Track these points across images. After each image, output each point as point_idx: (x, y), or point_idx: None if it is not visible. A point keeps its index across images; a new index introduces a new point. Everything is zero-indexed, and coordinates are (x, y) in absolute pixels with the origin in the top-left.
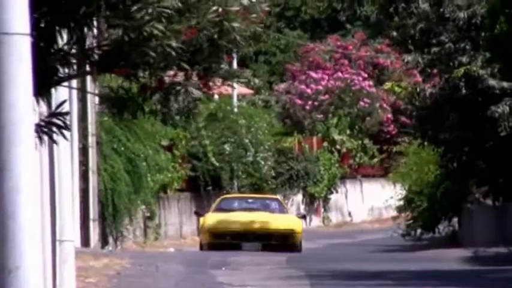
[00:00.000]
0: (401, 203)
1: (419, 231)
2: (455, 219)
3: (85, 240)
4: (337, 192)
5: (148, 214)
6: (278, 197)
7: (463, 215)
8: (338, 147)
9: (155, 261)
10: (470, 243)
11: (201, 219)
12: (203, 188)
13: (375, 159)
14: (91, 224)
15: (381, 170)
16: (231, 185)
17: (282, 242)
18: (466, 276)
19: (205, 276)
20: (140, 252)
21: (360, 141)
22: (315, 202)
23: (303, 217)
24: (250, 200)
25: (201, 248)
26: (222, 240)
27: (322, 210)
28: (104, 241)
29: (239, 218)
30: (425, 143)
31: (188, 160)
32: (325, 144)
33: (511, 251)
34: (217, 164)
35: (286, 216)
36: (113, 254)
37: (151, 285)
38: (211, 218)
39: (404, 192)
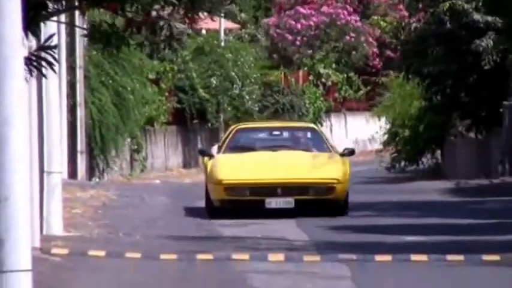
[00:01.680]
0: (386, 137)
1: (402, 163)
2: (438, 152)
3: (72, 172)
4: (322, 125)
5: (135, 147)
6: (313, 125)
7: (446, 148)
8: (323, 80)
9: (141, 193)
10: (452, 175)
11: (209, 162)
12: (189, 121)
13: (360, 93)
14: (78, 156)
15: (366, 104)
16: (216, 118)
17: (321, 196)
18: (447, 207)
19: (190, 207)
20: (126, 184)
21: (345, 75)
22: None
23: (351, 153)
24: (275, 132)
25: (210, 206)
26: (240, 197)
27: None
28: (90, 173)
29: (262, 161)
30: (410, 77)
31: (174, 93)
32: (311, 78)
33: (492, 183)
34: (205, 96)
35: (327, 157)
36: (99, 186)
37: (137, 216)
38: (225, 163)
39: (388, 126)
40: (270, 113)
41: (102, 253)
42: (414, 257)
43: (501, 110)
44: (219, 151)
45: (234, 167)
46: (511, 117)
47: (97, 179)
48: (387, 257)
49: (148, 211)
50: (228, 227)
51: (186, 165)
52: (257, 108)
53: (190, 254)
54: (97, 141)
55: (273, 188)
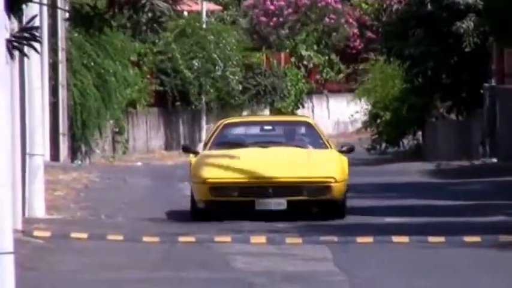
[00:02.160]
0: (367, 118)
1: (383, 145)
2: (419, 134)
3: (54, 155)
4: (303, 107)
5: (117, 129)
6: (308, 119)
7: (427, 129)
8: (305, 62)
9: (123, 175)
10: (433, 157)
11: (193, 160)
12: (171, 103)
13: (341, 75)
14: (60, 138)
15: (347, 86)
16: (199, 100)
17: (316, 196)
18: (428, 189)
19: (172, 189)
20: (108, 166)
21: (327, 57)
22: None
23: (350, 150)
24: (267, 127)
25: (194, 207)
26: (228, 198)
27: None
28: (73, 155)
29: (252, 159)
30: (391, 59)
31: (156, 75)
32: (293, 59)
33: (473, 164)
34: (188, 78)
35: (323, 154)
36: (81, 168)
37: (119, 199)
38: (210, 161)
39: (369, 108)
40: (252, 94)
41: (84, 235)
42: (395, 239)
43: (482, 91)
44: (204, 148)
45: (221, 165)
46: (492, 98)
47: (79, 162)
48: (368, 239)
49: (130, 193)
50: None
51: (168, 147)
52: (239, 90)
53: (173, 236)
54: (79, 124)
55: (263, 188)
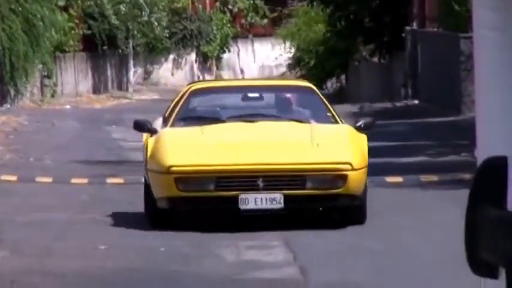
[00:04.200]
0: (291, 61)
1: None
2: (342, 76)
3: None
4: (229, 51)
5: (45, 73)
6: (308, 83)
7: (350, 72)
8: (230, 7)
9: (52, 118)
10: (356, 99)
11: (150, 141)
12: (100, 47)
13: (265, 20)
14: None
15: (272, 30)
16: (126, 44)
17: (325, 190)
18: None
19: (100, 132)
20: (37, 110)
21: (252, 1)
22: (208, 61)
23: (370, 126)
24: (252, 94)
25: (153, 208)
26: (201, 193)
27: (215, 68)
28: (1, 99)
29: (233, 139)
30: (314, 3)
31: (84, 20)
32: (218, 4)
33: (395, 106)
34: (115, 23)
35: (332, 130)
36: (10, 112)
37: (48, 141)
38: (175, 142)
39: (293, 51)
40: (178, 39)
41: (13, 177)
42: None
43: (403, 34)
44: (165, 124)
45: (190, 147)
46: (413, 42)
47: (8, 105)
48: None
49: (59, 136)
50: (136, 151)
51: (96, 90)
52: (167, 34)
53: (101, 178)
54: (7, 68)
55: (250, 179)
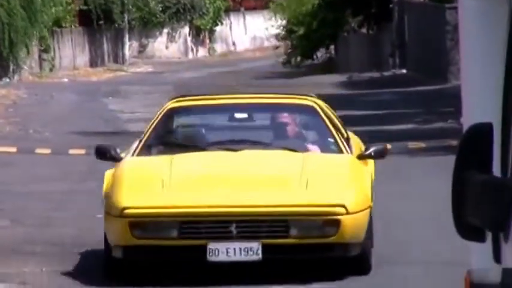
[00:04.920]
0: (282, 32)
1: (298, 58)
2: (332, 47)
3: None
4: (222, 24)
5: (43, 47)
6: (314, 98)
7: (340, 43)
8: None
9: (50, 91)
10: (345, 70)
11: (108, 173)
12: (95, 22)
13: None
14: None
15: (264, 3)
16: (121, 18)
17: (313, 238)
18: (341, 100)
19: (98, 104)
20: (36, 83)
21: None
22: (201, 34)
23: (380, 155)
24: (239, 115)
25: (108, 257)
26: (161, 241)
27: (208, 41)
28: (1, 73)
29: (206, 173)
30: None
31: None
32: None
33: (383, 76)
34: None
35: (330, 162)
36: (9, 85)
37: (47, 113)
38: (133, 176)
39: (284, 23)
40: (172, 13)
41: (13, 149)
42: None
43: (391, 6)
44: (134, 151)
45: (151, 184)
46: (400, 12)
47: (7, 79)
48: None
49: (57, 108)
50: (133, 122)
51: (92, 64)
52: (161, 8)
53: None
54: (6, 43)
55: (222, 224)
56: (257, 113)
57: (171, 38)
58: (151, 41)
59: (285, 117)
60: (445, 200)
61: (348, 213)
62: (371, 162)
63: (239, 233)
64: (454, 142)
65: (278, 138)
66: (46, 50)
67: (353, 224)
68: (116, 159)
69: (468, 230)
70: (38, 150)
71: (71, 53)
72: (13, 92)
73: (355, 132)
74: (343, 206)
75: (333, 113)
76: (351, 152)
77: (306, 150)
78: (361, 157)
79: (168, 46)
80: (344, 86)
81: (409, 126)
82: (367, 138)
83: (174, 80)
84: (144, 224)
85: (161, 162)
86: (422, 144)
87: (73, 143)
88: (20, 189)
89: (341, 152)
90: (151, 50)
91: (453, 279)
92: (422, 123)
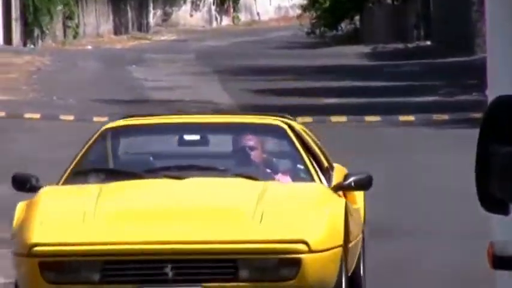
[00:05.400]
0: (306, 2)
1: (322, 29)
2: (357, 18)
3: (7, 39)
4: None
5: (67, 14)
6: (281, 121)
7: (365, 14)
8: None
9: (74, 59)
10: (370, 41)
11: (20, 205)
12: None
13: None
14: (13, 23)
15: None
16: None
17: (269, 281)
18: (365, 71)
19: (122, 71)
20: (60, 50)
21: None
22: (225, 3)
23: (362, 186)
24: (190, 137)
25: None
26: (80, 286)
27: (232, 10)
28: (26, 40)
29: (136, 207)
30: None
31: None
32: None
33: (407, 47)
34: None
35: (291, 192)
36: (34, 52)
37: (70, 81)
38: (49, 213)
39: None
40: None
41: (37, 115)
42: (334, 118)
43: None
44: (60, 179)
45: (70, 217)
46: None
47: (32, 46)
48: (308, 119)
49: (81, 76)
50: (157, 91)
51: (116, 31)
52: None
53: (122, 116)
54: (31, 9)
55: (154, 265)
56: (213, 134)
57: (195, 7)
58: (176, 9)
59: (249, 139)
60: (468, 173)
61: (310, 251)
62: (359, 196)
63: (176, 275)
64: (478, 115)
65: (237, 164)
66: (70, 17)
67: (318, 265)
68: (34, 189)
69: (492, 202)
70: (62, 117)
71: (95, 21)
72: (37, 59)
73: (377, 104)
74: (305, 242)
75: (312, 139)
76: (330, 183)
77: (271, 178)
78: (339, 188)
79: (193, 14)
80: (368, 57)
81: (433, 98)
82: (391, 109)
83: (197, 48)
84: (57, 264)
85: (87, 192)
86: (445, 117)
87: (97, 110)
88: (43, 155)
89: (312, 181)
90: (176, 18)
91: (476, 251)
92: (446, 95)
